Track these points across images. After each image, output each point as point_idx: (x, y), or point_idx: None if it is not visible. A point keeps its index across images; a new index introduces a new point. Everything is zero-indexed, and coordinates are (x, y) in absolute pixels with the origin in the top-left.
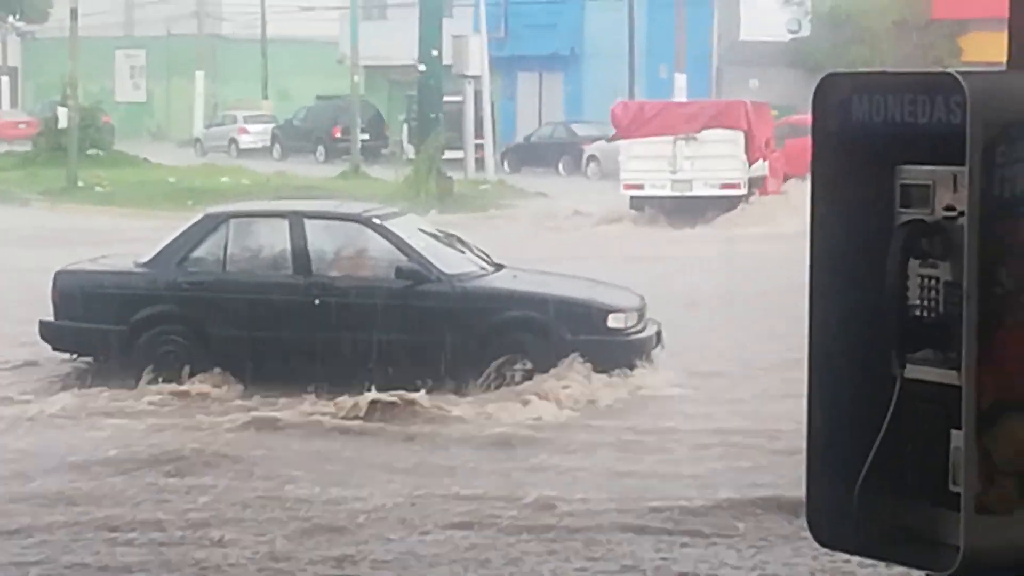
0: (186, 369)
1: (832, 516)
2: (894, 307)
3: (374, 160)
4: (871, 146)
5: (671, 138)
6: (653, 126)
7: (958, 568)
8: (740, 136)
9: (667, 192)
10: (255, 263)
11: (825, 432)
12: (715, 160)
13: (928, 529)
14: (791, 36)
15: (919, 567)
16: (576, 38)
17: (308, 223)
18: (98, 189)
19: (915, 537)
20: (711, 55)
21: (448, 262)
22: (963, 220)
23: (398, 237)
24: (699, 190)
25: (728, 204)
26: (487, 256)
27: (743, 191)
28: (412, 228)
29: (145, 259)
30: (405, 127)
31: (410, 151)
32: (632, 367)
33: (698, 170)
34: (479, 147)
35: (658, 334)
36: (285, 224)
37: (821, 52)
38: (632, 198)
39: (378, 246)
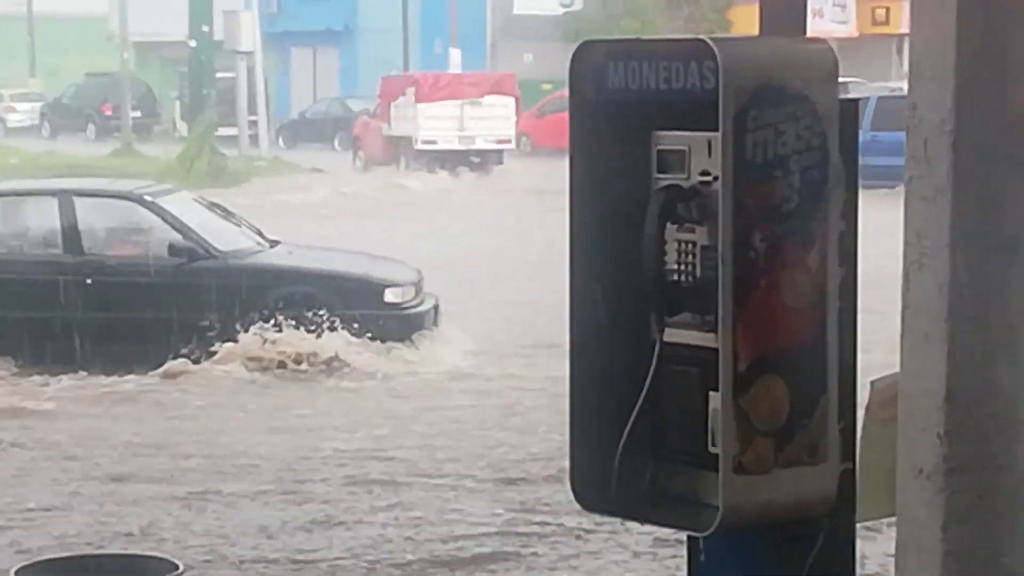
0: None
1: (594, 480)
2: (652, 272)
3: (146, 138)
4: (628, 113)
5: (459, 102)
6: (445, 92)
7: (717, 527)
8: (512, 101)
9: (455, 147)
10: (24, 242)
11: (586, 397)
12: (493, 121)
13: (689, 491)
14: (564, 10)
15: (680, 528)
16: (350, 13)
17: (78, 201)
18: None
19: (676, 499)
20: (485, 30)
21: (222, 239)
22: (718, 185)
23: (170, 214)
24: (480, 145)
25: (497, 158)
26: (262, 233)
27: (512, 145)
28: (185, 205)
29: None
30: (177, 104)
31: (183, 128)
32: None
33: (480, 129)
34: (253, 124)
35: (435, 308)
36: (54, 203)
37: (593, 25)
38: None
39: (151, 224)
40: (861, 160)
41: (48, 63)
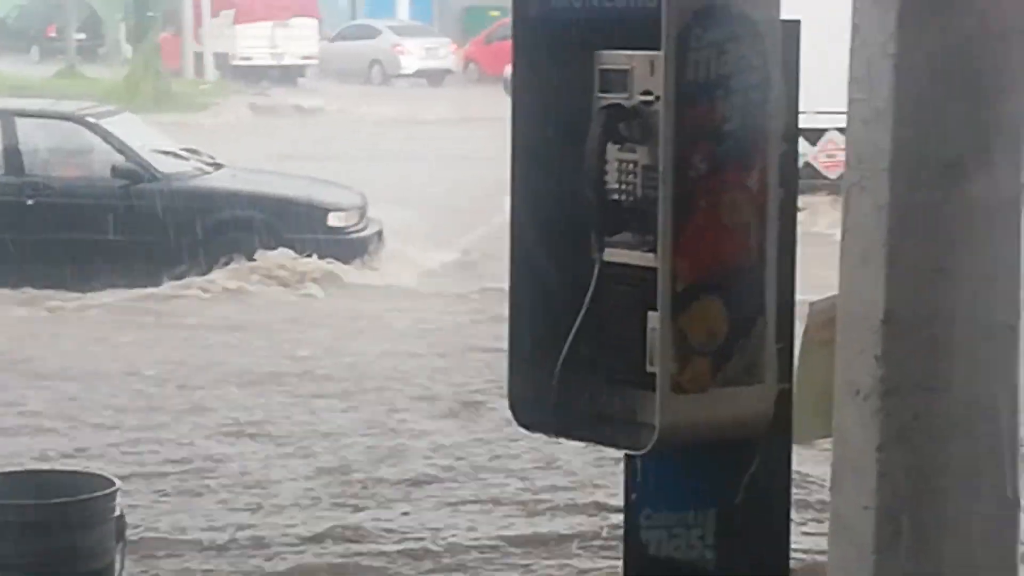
0: None
1: (533, 400)
2: (593, 191)
3: (91, 60)
4: (571, 32)
5: (271, 24)
6: (260, 14)
7: (654, 446)
8: (314, 22)
9: (268, 62)
10: None
11: (526, 317)
12: (299, 41)
13: (627, 410)
14: None
15: (618, 447)
16: None
17: (20, 122)
18: None
19: (615, 419)
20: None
21: (165, 163)
22: (659, 104)
23: (114, 136)
24: (288, 61)
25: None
26: (207, 156)
27: (316, 62)
28: (129, 127)
29: None
30: (123, 26)
31: (128, 51)
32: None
33: (289, 47)
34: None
35: (379, 233)
36: None
37: None
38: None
39: (94, 145)
40: None
41: None
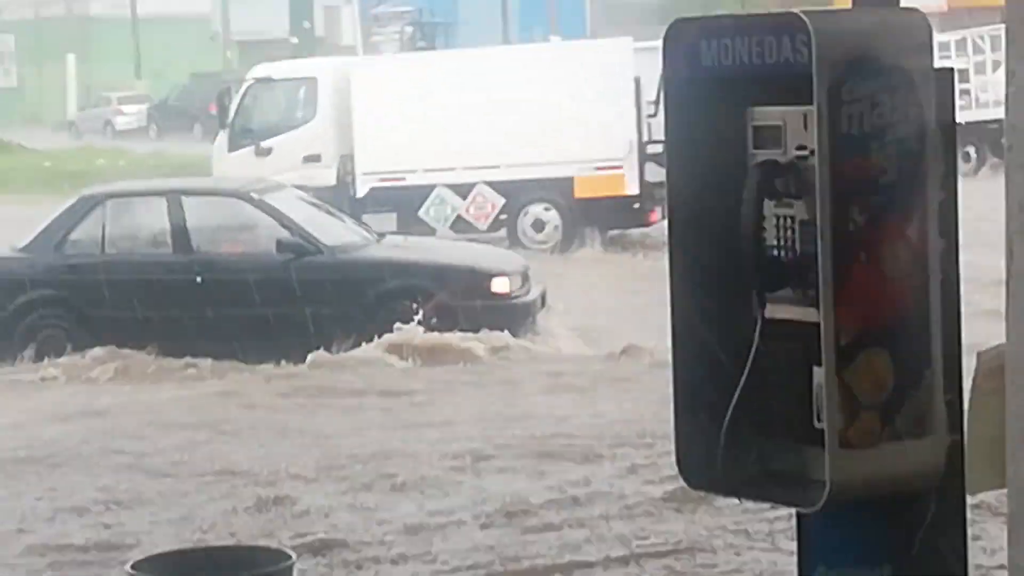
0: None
1: (701, 458)
2: (752, 248)
3: None
4: (722, 89)
5: None
6: None
7: (825, 503)
8: None
9: None
10: (135, 243)
11: (690, 376)
12: None
13: (795, 467)
14: None
15: (788, 504)
16: (449, 6)
17: (186, 200)
18: None
19: (782, 476)
20: (584, 17)
21: (330, 233)
22: (814, 159)
23: (278, 211)
24: None
25: None
26: (368, 227)
27: None
28: (292, 201)
29: (22, 244)
30: None
31: None
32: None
33: None
34: None
35: (542, 296)
36: (163, 202)
37: (693, 7)
38: None
39: (259, 220)
40: None
41: (154, 65)
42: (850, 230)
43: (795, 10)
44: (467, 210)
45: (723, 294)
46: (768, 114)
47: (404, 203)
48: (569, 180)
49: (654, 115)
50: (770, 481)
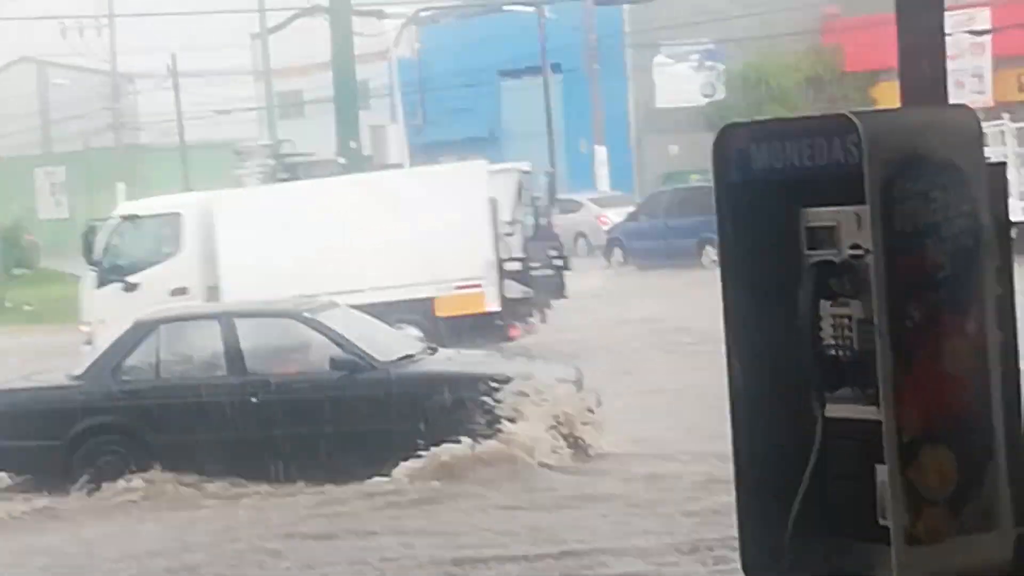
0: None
1: (765, 558)
2: (809, 348)
3: None
4: (774, 192)
5: None
6: None
7: None
8: None
9: None
10: (189, 366)
11: (753, 474)
12: None
13: (861, 564)
14: (707, 100)
15: None
16: (494, 120)
17: (239, 322)
18: (26, 308)
19: (849, 573)
20: (629, 126)
21: (383, 349)
22: (869, 258)
23: (330, 329)
24: None
25: None
26: (422, 340)
27: None
28: (345, 319)
29: (78, 372)
30: None
31: None
32: None
33: None
34: None
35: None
36: (216, 325)
37: (737, 113)
38: None
39: (312, 339)
40: None
41: (203, 189)
42: (908, 327)
43: (844, 111)
44: None
45: (782, 393)
46: (821, 215)
47: None
48: (430, 300)
49: (511, 234)
50: None
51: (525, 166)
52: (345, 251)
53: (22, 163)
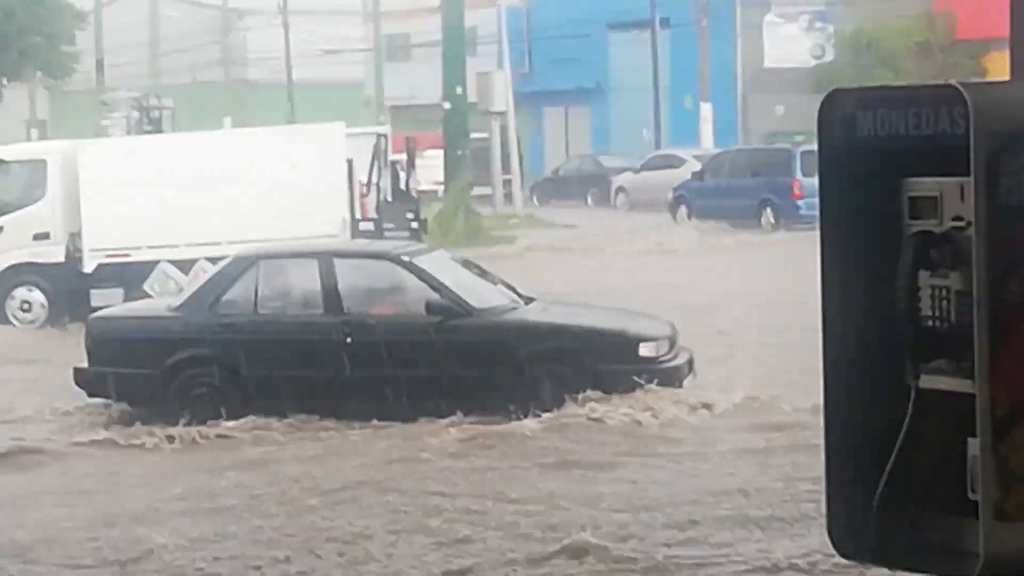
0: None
1: (853, 528)
2: (906, 318)
3: None
4: (877, 160)
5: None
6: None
7: (979, 575)
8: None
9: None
10: (286, 303)
11: (843, 445)
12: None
13: (948, 538)
14: (815, 62)
15: (942, 575)
16: (601, 71)
17: (337, 262)
18: None
19: (935, 546)
20: (736, 84)
21: (479, 296)
22: (971, 230)
23: (427, 273)
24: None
25: None
26: (516, 290)
27: None
28: (442, 264)
29: (177, 303)
30: None
31: (439, 190)
32: None
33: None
34: (507, 182)
35: (690, 362)
36: (315, 264)
37: (845, 76)
38: None
39: (408, 283)
40: None
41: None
42: (1007, 301)
43: (952, 82)
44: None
45: (877, 363)
46: (924, 185)
47: (130, 278)
48: None
49: (366, 195)
50: (923, 551)
51: (384, 130)
52: (206, 205)
53: None
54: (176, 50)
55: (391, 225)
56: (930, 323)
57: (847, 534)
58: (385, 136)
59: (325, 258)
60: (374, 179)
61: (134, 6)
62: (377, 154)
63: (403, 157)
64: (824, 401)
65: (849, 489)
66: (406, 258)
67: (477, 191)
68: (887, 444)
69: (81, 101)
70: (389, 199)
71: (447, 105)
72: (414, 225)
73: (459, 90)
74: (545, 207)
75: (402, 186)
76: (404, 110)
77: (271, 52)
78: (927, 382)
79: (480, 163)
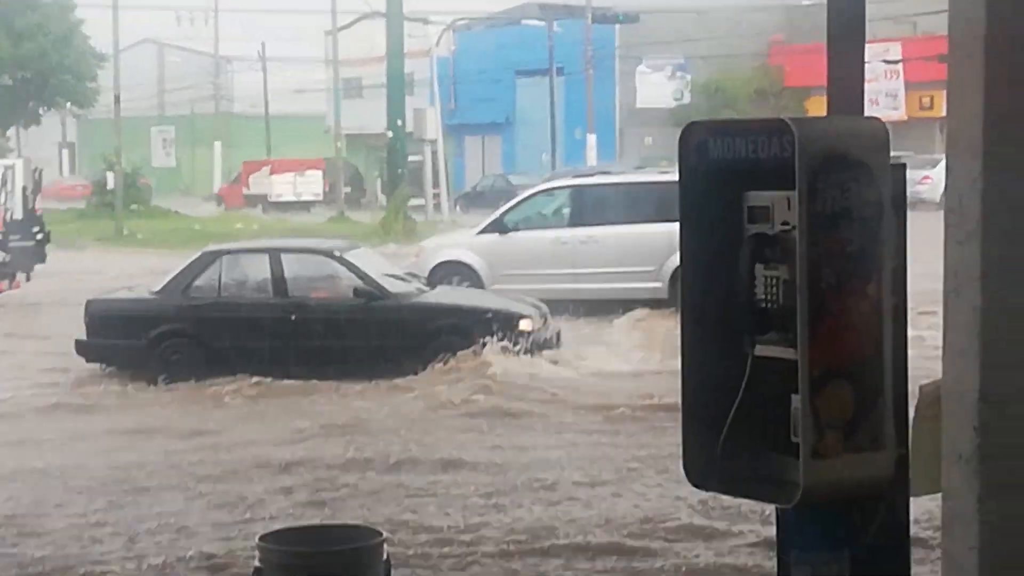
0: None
1: (702, 463)
2: (745, 301)
3: (355, 208)
4: (725, 177)
5: (293, 174)
6: (285, 168)
7: (799, 501)
8: (319, 173)
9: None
10: (243, 289)
11: (696, 399)
12: (312, 184)
13: (776, 472)
14: (676, 103)
15: (770, 501)
16: (510, 109)
17: (284, 256)
18: (139, 236)
19: (767, 478)
20: (615, 119)
21: (394, 284)
22: (795, 232)
23: (355, 265)
24: (306, 198)
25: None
26: (423, 278)
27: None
28: (367, 258)
29: (157, 288)
30: (379, 181)
31: (383, 200)
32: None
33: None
34: (437, 195)
35: (557, 334)
36: (266, 258)
37: (699, 114)
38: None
39: (340, 273)
40: None
41: (280, 151)
42: (822, 288)
43: (783, 117)
44: None
45: (723, 335)
46: (760, 197)
47: None
48: None
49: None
50: (757, 482)
51: (8, 163)
52: None
53: (141, 123)
54: (177, 88)
55: (17, 236)
56: (764, 305)
57: (698, 468)
58: (12, 168)
59: (274, 254)
60: (3, 202)
61: (145, 52)
62: (4, 183)
63: (31, 184)
64: (681, 364)
65: (700, 434)
66: (338, 254)
67: (413, 202)
68: (731, 398)
69: (101, 127)
70: (18, 217)
71: (390, 134)
72: (39, 237)
73: (400, 122)
74: (466, 214)
75: (29, 207)
76: (357, 138)
77: (252, 90)
78: (761, 351)
79: (415, 180)
